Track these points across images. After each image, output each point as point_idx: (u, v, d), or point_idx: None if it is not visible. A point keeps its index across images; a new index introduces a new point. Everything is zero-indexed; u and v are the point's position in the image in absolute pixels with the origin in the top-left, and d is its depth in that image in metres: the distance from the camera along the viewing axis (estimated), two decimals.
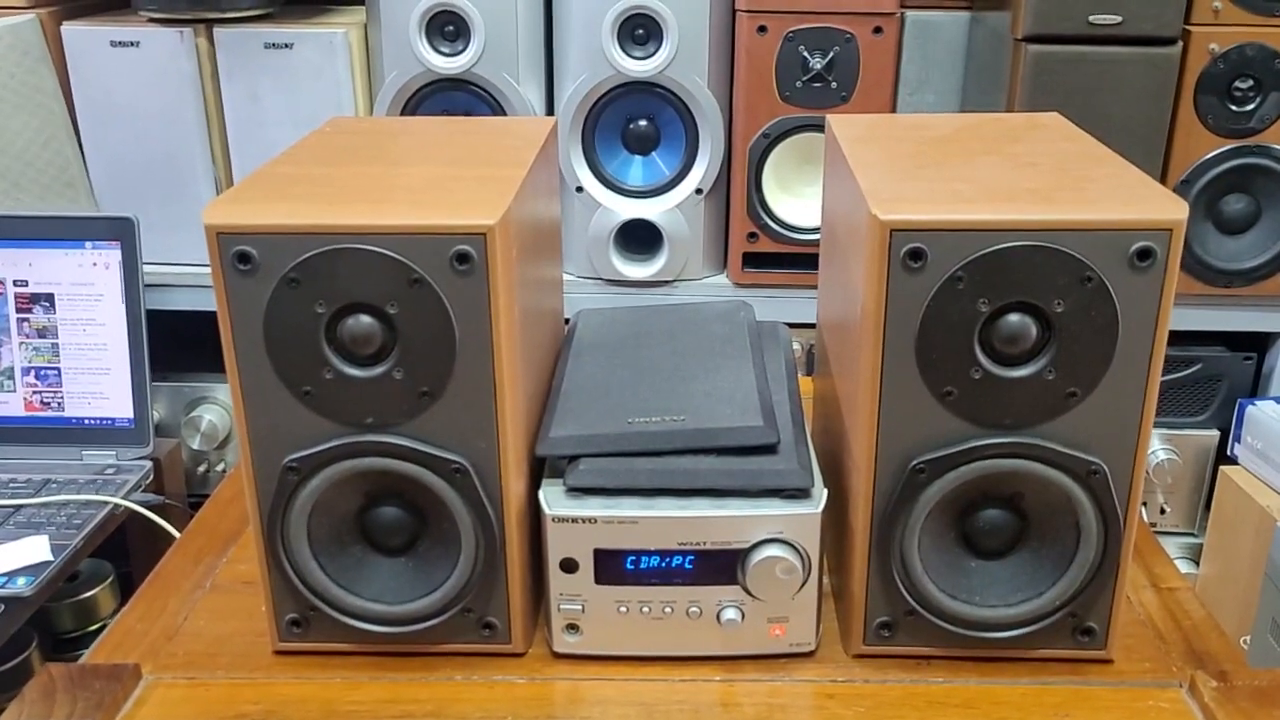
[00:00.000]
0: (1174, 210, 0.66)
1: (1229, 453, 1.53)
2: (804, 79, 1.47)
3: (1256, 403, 1.48)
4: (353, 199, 0.70)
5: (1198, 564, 1.58)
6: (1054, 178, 0.72)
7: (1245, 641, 1.37)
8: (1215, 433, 1.61)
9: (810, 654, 0.77)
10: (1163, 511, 1.64)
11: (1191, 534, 1.65)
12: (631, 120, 1.53)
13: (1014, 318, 0.67)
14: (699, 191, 1.53)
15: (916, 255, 0.66)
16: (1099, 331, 0.67)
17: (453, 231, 0.66)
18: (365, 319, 0.68)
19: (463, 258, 0.66)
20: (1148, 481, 1.59)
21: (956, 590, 0.74)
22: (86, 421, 1.43)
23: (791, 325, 1.00)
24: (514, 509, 0.73)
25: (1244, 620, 1.40)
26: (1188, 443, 1.62)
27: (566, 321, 0.99)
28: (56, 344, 1.43)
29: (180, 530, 0.97)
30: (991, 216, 0.66)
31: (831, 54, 1.46)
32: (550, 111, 1.57)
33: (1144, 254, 0.66)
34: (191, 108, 1.54)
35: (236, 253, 0.67)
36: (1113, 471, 0.70)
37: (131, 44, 1.52)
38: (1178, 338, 1.56)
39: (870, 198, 0.67)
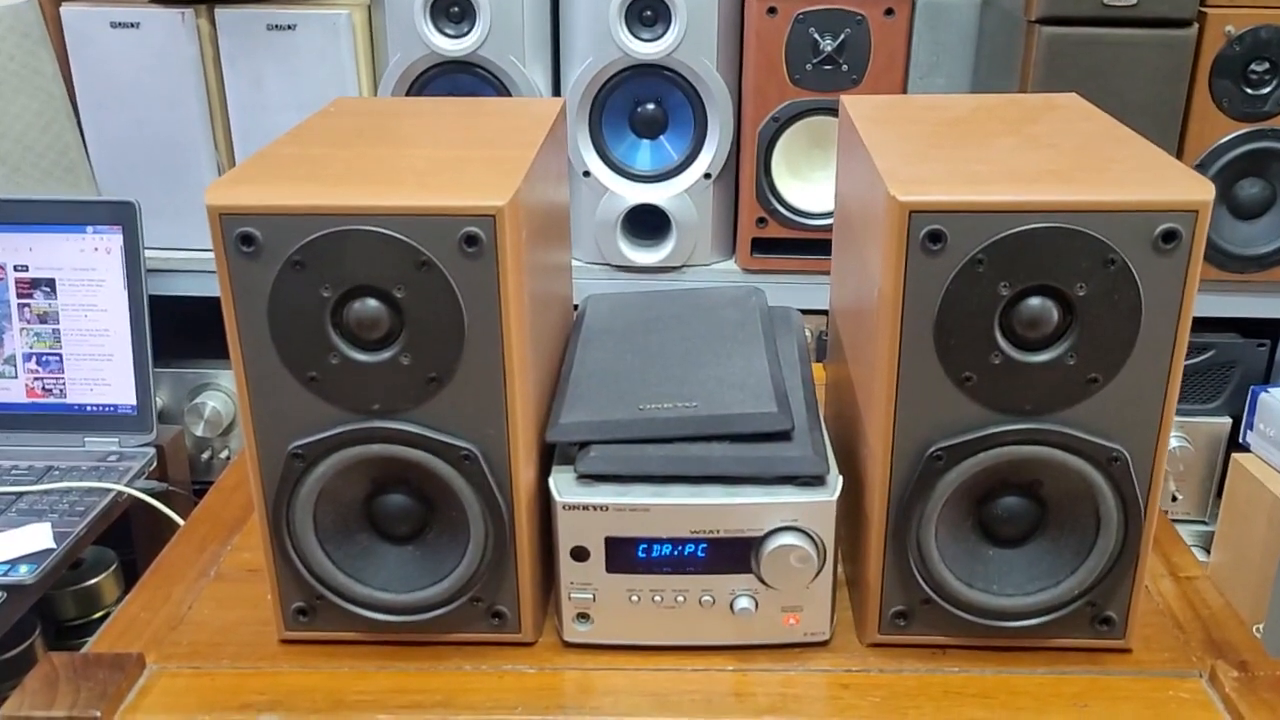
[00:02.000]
0: (1199, 191, 0.64)
1: (1241, 440, 1.52)
2: (814, 62, 1.45)
3: (1270, 389, 1.47)
4: (358, 180, 0.69)
5: (1209, 552, 1.57)
6: (1075, 158, 0.71)
7: (1258, 630, 1.36)
8: (1228, 420, 1.60)
9: (825, 643, 0.76)
10: (1174, 499, 1.63)
11: (1203, 522, 1.64)
12: (639, 103, 1.51)
13: (1035, 301, 0.66)
14: (708, 176, 1.52)
15: (936, 237, 0.65)
16: (1122, 315, 0.66)
17: (461, 213, 0.65)
18: (372, 303, 0.67)
19: (471, 240, 0.65)
20: None
21: (974, 579, 0.73)
22: (89, 408, 1.42)
23: (801, 311, 0.99)
24: (524, 496, 0.71)
25: (1256, 608, 1.39)
26: (1200, 430, 1.60)
27: (575, 307, 0.98)
28: (58, 330, 1.42)
29: (184, 517, 0.96)
30: (1013, 198, 0.64)
31: (842, 36, 1.44)
32: (556, 94, 1.55)
33: (1169, 236, 0.64)
34: (193, 90, 1.53)
35: (240, 234, 0.65)
36: (1134, 458, 0.69)
37: (132, 25, 1.50)
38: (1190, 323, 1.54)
39: (888, 179, 0.66)
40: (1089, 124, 0.79)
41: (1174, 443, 1.60)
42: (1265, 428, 1.45)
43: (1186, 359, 1.55)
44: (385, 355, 0.68)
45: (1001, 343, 0.67)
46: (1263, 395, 1.46)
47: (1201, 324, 1.58)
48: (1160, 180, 0.67)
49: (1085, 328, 0.66)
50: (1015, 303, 0.66)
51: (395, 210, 0.65)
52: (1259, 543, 1.41)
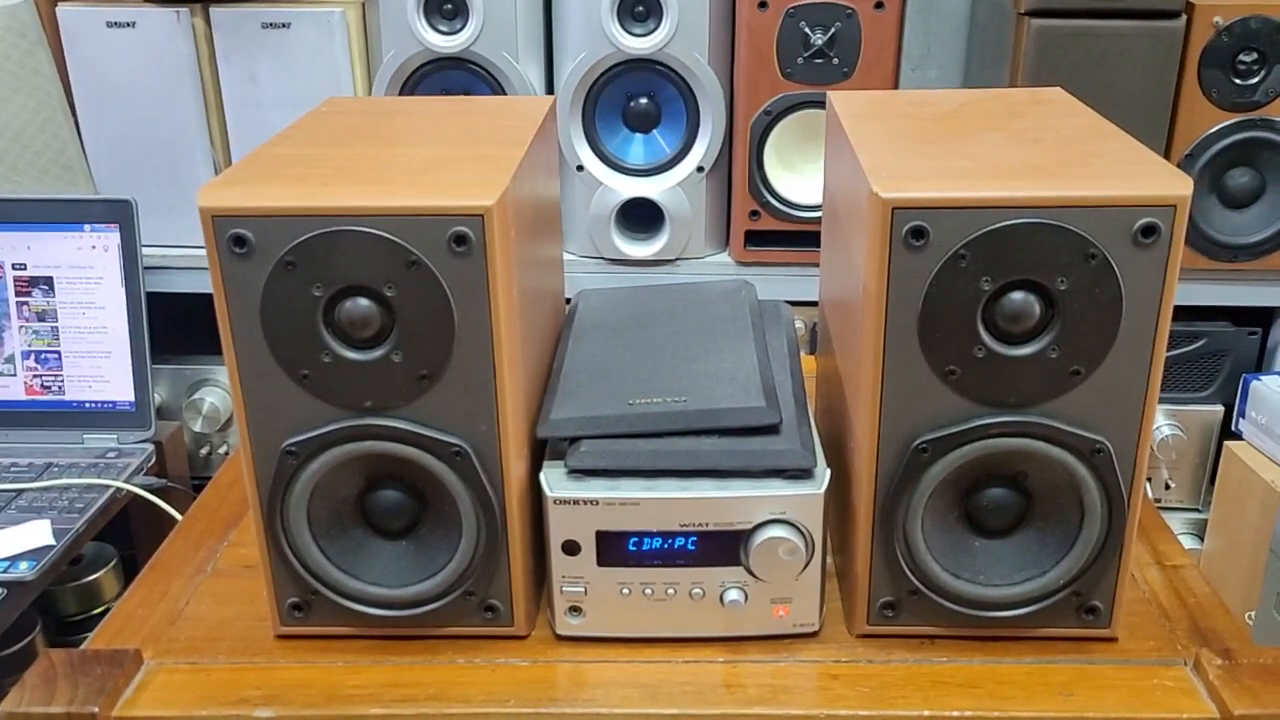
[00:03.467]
0: (1178, 186, 0.65)
1: (1233, 428, 1.53)
2: (805, 55, 1.46)
3: (1261, 378, 1.47)
4: (349, 180, 0.70)
5: (1202, 539, 1.58)
6: (1057, 154, 0.71)
7: (1250, 617, 1.37)
8: (1220, 408, 1.61)
9: (814, 634, 0.77)
10: (1167, 487, 1.64)
11: (1196, 509, 1.65)
12: (632, 98, 1.52)
13: (1017, 296, 0.67)
14: (700, 169, 1.53)
15: (918, 234, 0.65)
16: (1103, 309, 0.67)
17: (450, 212, 0.66)
18: (363, 302, 0.68)
19: (460, 239, 0.66)
20: (1152, 457, 1.59)
21: (960, 569, 0.74)
22: (87, 405, 1.43)
23: (794, 303, 1.00)
24: (515, 491, 0.72)
25: (1249, 596, 1.40)
26: (1192, 418, 1.61)
27: (568, 302, 0.99)
28: (56, 327, 1.42)
29: (183, 513, 0.97)
30: (994, 194, 0.65)
31: (833, 30, 1.44)
32: (550, 90, 1.56)
33: (1148, 230, 0.65)
34: (189, 88, 1.53)
35: (232, 236, 0.66)
36: (1117, 449, 0.70)
37: (128, 24, 1.51)
38: (1182, 313, 1.55)
39: (871, 175, 0.67)
40: (1072, 119, 0.80)
41: (1167, 431, 1.60)
42: (1257, 415, 1.45)
43: (1179, 348, 1.57)
44: (377, 353, 0.69)
45: (984, 336, 0.68)
46: (1254, 383, 1.47)
47: (1193, 313, 1.59)
48: (1140, 175, 0.67)
49: (1067, 321, 0.67)
50: (997, 297, 0.67)
51: (385, 210, 0.66)
52: (1251, 530, 1.42)
